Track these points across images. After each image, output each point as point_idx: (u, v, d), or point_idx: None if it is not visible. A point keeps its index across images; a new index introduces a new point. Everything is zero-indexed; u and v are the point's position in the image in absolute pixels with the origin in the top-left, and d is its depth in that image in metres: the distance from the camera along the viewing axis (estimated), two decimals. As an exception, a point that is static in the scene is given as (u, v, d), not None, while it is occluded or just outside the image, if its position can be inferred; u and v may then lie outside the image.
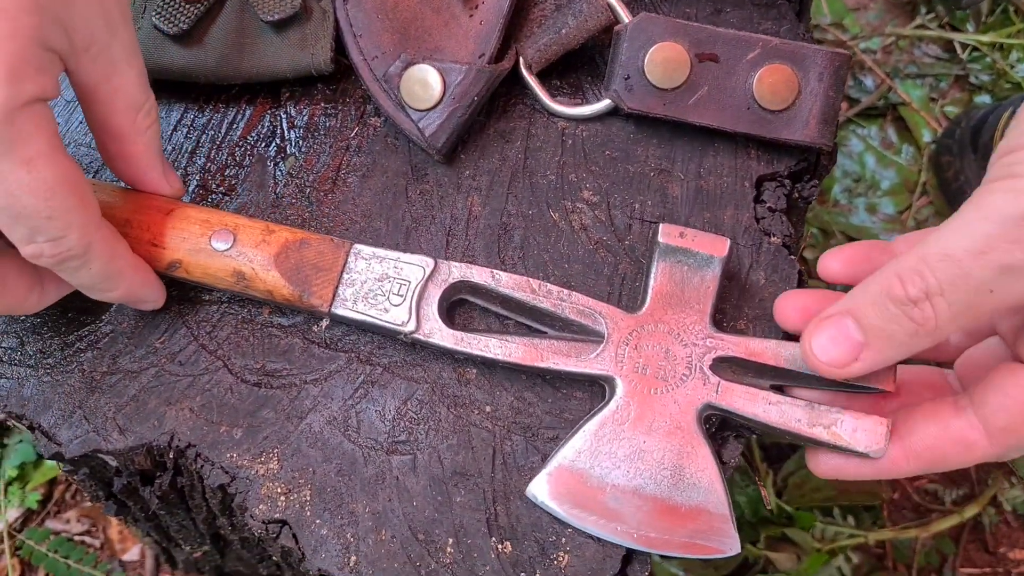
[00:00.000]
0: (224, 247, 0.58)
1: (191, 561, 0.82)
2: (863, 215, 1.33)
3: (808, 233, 1.29)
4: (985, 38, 1.44)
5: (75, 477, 0.67)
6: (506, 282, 0.57)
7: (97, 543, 1.11)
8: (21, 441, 1.13)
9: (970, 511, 1.12)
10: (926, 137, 1.39)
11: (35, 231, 0.48)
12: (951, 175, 1.33)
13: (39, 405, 0.60)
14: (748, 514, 1.06)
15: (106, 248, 0.52)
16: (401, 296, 0.57)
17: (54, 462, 1.07)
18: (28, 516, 1.12)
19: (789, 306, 0.56)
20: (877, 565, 1.12)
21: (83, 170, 0.58)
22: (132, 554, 1.10)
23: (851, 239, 1.31)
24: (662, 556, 0.56)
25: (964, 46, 1.45)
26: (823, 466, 0.55)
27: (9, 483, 1.12)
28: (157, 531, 0.76)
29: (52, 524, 1.12)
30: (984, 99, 1.42)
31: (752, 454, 1.13)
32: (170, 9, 0.66)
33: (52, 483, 1.14)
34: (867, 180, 1.36)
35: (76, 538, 1.11)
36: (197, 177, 0.66)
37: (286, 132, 0.67)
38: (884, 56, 1.46)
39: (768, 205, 0.63)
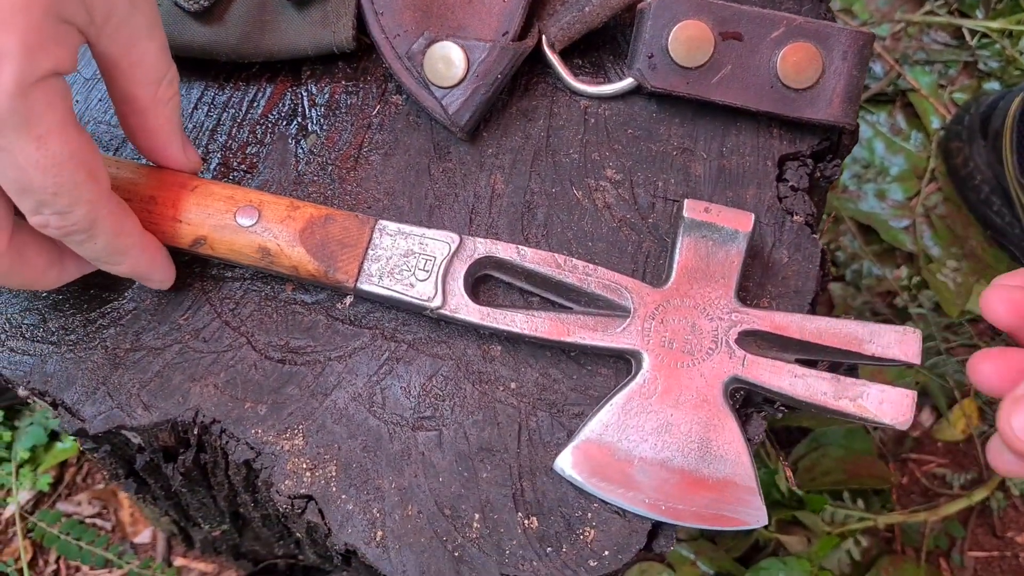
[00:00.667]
0: (249, 223, 0.58)
1: (208, 540, 0.82)
2: (872, 201, 1.33)
3: (829, 218, 1.29)
4: (994, 24, 1.44)
5: (95, 455, 0.67)
6: (531, 257, 0.57)
7: (108, 525, 1.11)
8: (32, 424, 1.13)
9: (979, 495, 1.13)
10: (935, 123, 1.39)
11: (41, 204, 0.48)
12: (960, 161, 1.33)
13: (62, 382, 0.60)
14: (759, 497, 1.06)
15: (114, 223, 0.52)
16: (427, 272, 0.57)
17: (64, 444, 1.07)
18: (39, 498, 1.12)
19: (985, 366, 0.51)
20: (886, 548, 1.12)
21: (97, 145, 0.58)
22: (144, 536, 1.10)
23: (860, 225, 1.31)
24: (686, 530, 0.56)
25: (973, 32, 1.45)
26: (1002, 466, 0.52)
27: (20, 465, 1.12)
28: (176, 510, 0.76)
29: (63, 506, 1.12)
30: (993, 86, 1.42)
31: (764, 437, 1.13)
32: (191, -14, 0.66)
33: (63, 466, 1.14)
34: (876, 166, 1.36)
35: (87, 520, 1.11)
36: (218, 155, 0.66)
37: (307, 110, 0.67)
38: (893, 42, 1.46)
39: (791, 184, 0.63)
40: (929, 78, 1.42)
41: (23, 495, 1.11)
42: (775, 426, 1.15)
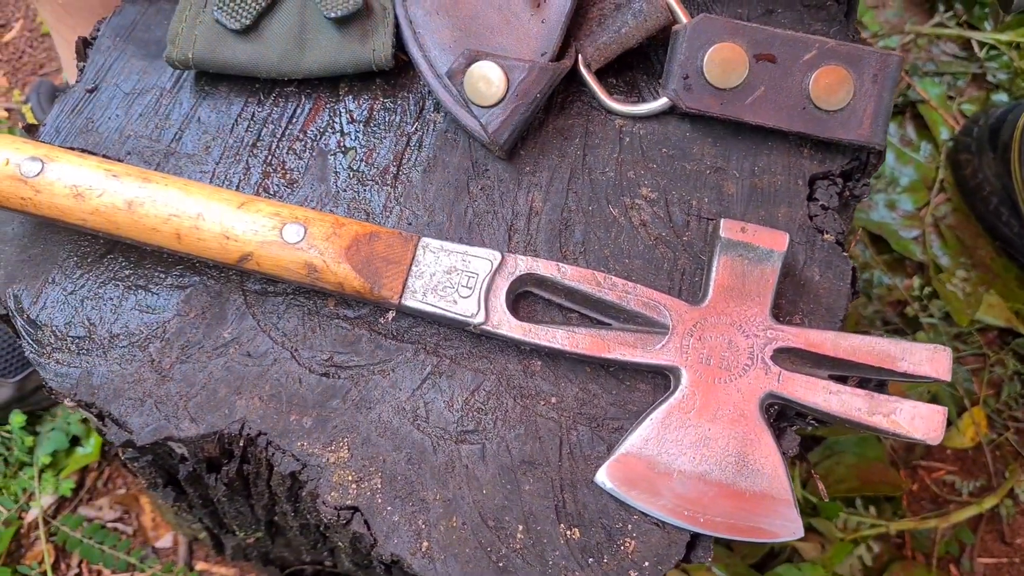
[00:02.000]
0: (295, 240, 0.59)
1: (240, 547, 0.84)
2: (883, 211, 1.35)
3: (857, 234, 1.30)
4: (1003, 37, 1.45)
5: (136, 464, 0.68)
6: (572, 275, 0.59)
7: (130, 530, 1.12)
8: (54, 429, 1.14)
9: (988, 502, 1.14)
10: (944, 134, 1.41)
11: None
12: (969, 173, 1.35)
13: (109, 394, 0.61)
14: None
15: None
16: (469, 288, 0.58)
17: (86, 449, 1.08)
18: (61, 503, 1.13)
19: None
20: (897, 554, 1.14)
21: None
22: (165, 541, 1.11)
23: (871, 235, 1.33)
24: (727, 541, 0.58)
25: (982, 44, 1.47)
26: None
27: (43, 470, 1.13)
28: (211, 518, 0.77)
29: (85, 511, 1.13)
30: (1001, 98, 1.44)
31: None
32: (232, 4, 0.67)
33: (84, 471, 1.15)
34: (886, 177, 1.38)
35: (109, 525, 1.12)
36: (259, 170, 0.67)
37: (345, 126, 0.68)
38: (903, 54, 1.47)
39: (821, 203, 0.65)
40: (938, 89, 1.43)
41: (46, 499, 1.12)
42: (788, 434, 1.17)
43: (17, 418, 1.12)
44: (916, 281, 1.28)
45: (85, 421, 1.15)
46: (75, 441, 1.15)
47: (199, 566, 1.10)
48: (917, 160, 1.39)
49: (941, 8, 1.50)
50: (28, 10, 1.45)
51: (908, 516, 1.16)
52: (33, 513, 1.11)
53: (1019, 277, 1.32)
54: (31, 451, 1.14)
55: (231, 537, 0.83)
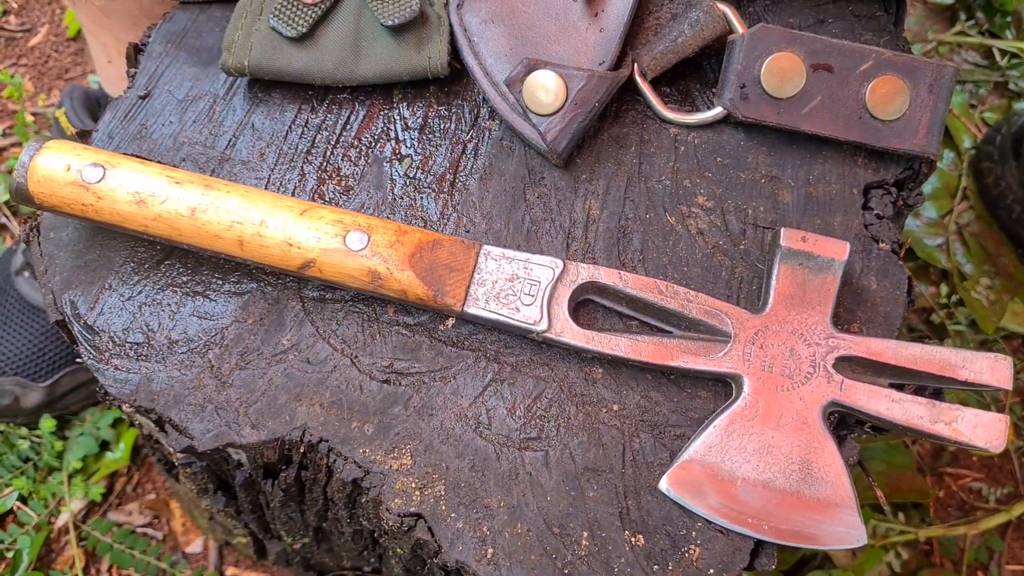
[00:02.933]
0: (359, 247, 0.59)
1: (284, 553, 0.84)
2: (907, 219, 1.35)
3: (908, 242, 1.31)
4: None
5: (189, 469, 0.68)
6: (633, 283, 0.59)
7: (160, 535, 1.12)
8: (83, 434, 1.14)
9: (1018, 510, 1.15)
10: (966, 143, 1.41)
11: None
12: (991, 181, 1.36)
13: (169, 400, 0.61)
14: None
15: None
16: (532, 296, 0.59)
17: (115, 454, 1.08)
18: (91, 508, 1.13)
19: None
20: (926, 561, 1.14)
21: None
22: (195, 546, 1.11)
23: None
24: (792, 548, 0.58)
25: (1003, 53, 1.47)
26: None
27: (72, 475, 1.13)
28: (257, 523, 0.77)
29: (114, 516, 1.13)
30: (1023, 106, 1.44)
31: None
32: (288, 12, 0.67)
33: (114, 476, 1.15)
34: (909, 184, 1.38)
35: (139, 530, 1.12)
36: (314, 176, 0.67)
37: (400, 133, 0.69)
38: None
39: (876, 212, 0.65)
40: (960, 98, 1.44)
41: (76, 504, 1.12)
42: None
43: (47, 423, 1.12)
44: (943, 289, 1.29)
45: (115, 425, 1.15)
46: (104, 446, 1.15)
47: (229, 571, 1.10)
48: (940, 168, 1.39)
49: (963, 16, 1.51)
50: (54, 15, 1.45)
51: (936, 523, 1.16)
52: (63, 518, 1.11)
53: (1043, 285, 1.33)
54: (60, 456, 1.14)
55: (275, 543, 0.83)
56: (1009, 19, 1.49)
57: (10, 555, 1.07)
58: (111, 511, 1.13)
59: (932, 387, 0.61)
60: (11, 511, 1.11)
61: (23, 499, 1.11)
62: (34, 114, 1.36)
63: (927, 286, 1.31)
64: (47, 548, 1.10)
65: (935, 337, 1.27)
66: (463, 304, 0.59)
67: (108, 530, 1.09)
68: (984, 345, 1.27)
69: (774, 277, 0.59)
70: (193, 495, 0.90)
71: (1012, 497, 1.19)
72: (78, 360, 1.09)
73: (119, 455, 1.14)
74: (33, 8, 1.46)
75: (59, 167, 0.61)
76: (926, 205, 1.36)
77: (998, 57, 1.47)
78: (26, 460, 1.13)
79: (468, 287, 0.59)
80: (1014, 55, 1.47)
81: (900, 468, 1.15)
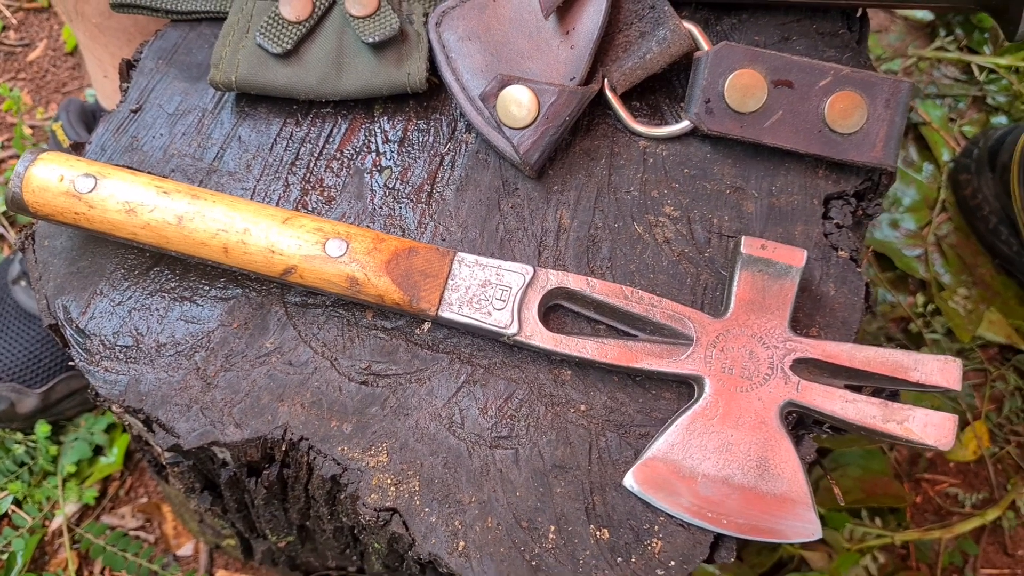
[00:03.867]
0: (338, 254, 0.62)
1: (269, 552, 0.86)
2: (886, 230, 1.38)
3: (868, 251, 1.34)
4: (1002, 61, 1.49)
5: (176, 469, 0.71)
6: (600, 289, 0.62)
7: (152, 538, 1.14)
8: (77, 439, 1.17)
9: (991, 514, 1.17)
10: (945, 156, 1.44)
11: None
12: (969, 193, 1.39)
13: (156, 400, 0.64)
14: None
15: None
16: (503, 301, 0.61)
17: (108, 459, 1.11)
18: (84, 511, 1.15)
19: None
20: (902, 565, 1.17)
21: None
22: (186, 549, 1.14)
23: (875, 253, 1.36)
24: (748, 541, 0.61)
25: (982, 68, 1.51)
26: None
27: (66, 479, 1.15)
28: (243, 522, 0.80)
29: (108, 519, 1.15)
30: (1001, 120, 1.48)
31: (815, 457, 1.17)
32: (274, 29, 0.70)
33: (107, 480, 1.18)
34: (890, 197, 1.41)
35: (131, 533, 1.14)
36: (298, 187, 0.70)
37: (380, 146, 0.71)
38: (905, 77, 1.51)
39: (835, 221, 0.68)
40: (940, 112, 1.47)
41: (69, 508, 1.14)
42: (795, 446, 1.20)
43: (42, 428, 1.15)
44: (920, 298, 1.32)
45: (108, 431, 1.18)
46: (98, 451, 1.18)
47: (219, 573, 1.12)
48: (919, 181, 1.42)
49: (942, 33, 1.54)
50: (52, 30, 1.48)
51: (912, 527, 1.18)
52: (57, 521, 1.13)
53: (1019, 295, 1.35)
54: (55, 460, 1.16)
55: (261, 542, 0.85)
56: (987, 35, 1.52)
57: (4, 557, 1.09)
58: (104, 514, 1.16)
59: (889, 390, 0.64)
60: (6, 514, 1.13)
61: (18, 503, 1.14)
62: (32, 127, 1.39)
63: (905, 296, 1.34)
64: (41, 551, 1.13)
65: (913, 346, 1.29)
66: (437, 309, 0.62)
67: (101, 533, 1.11)
68: (961, 353, 1.29)
69: (735, 283, 0.62)
70: (184, 499, 0.93)
71: (987, 502, 1.22)
72: (71, 364, 1.12)
73: (112, 460, 1.17)
74: (32, 23, 1.49)
75: (53, 178, 0.64)
76: (905, 216, 1.39)
77: (976, 72, 1.51)
78: (21, 464, 1.15)
79: (442, 292, 0.62)
80: (992, 71, 1.50)
81: (877, 474, 1.17)
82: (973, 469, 1.25)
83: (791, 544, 1.08)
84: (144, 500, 1.17)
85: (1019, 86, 1.47)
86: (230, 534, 0.87)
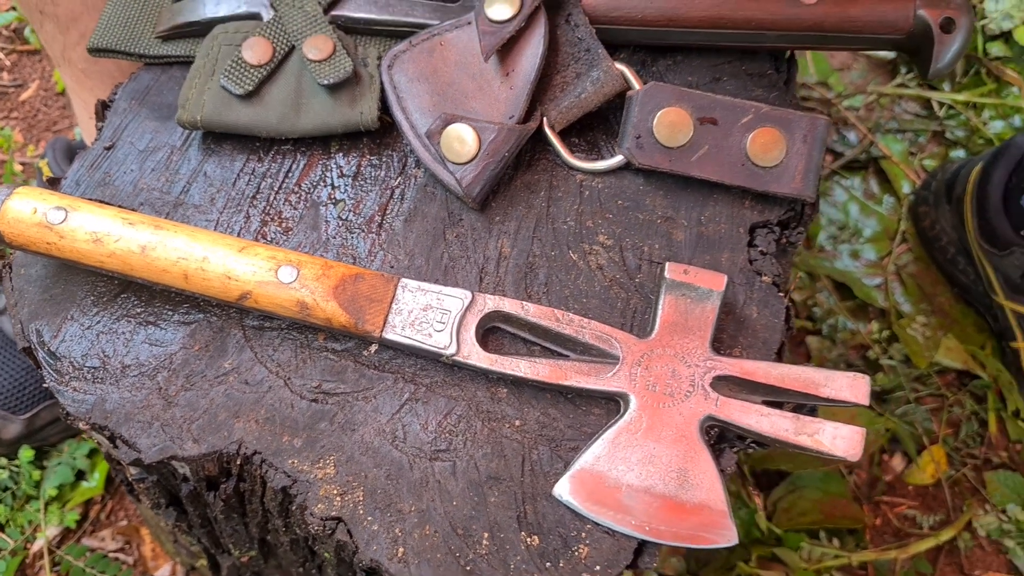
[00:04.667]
0: (289, 280, 0.66)
1: (235, 568, 0.90)
2: (847, 260, 1.43)
3: (796, 276, 1.39)
4: (960, 97, 1.55)
5: (142, 485, 0.75)
6: (534, 312, 0.66)
7: (131, 560, 1.18)
8: (60, 464, 1.21)
9: (946, 535, 1.21)
10: (905, 188, 1.49)
11: None
12: (927, 224, 1.43)
13: (120, 418, 0.68)
14: (741, 535, 1.14)
15: None
16: (443, 323, 0.66)
17: (90, 483, 1.15)
18: (66, 534, 1.19)
19: None
20: (860, 586, 1.20)
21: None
22: (163, 571, 1.17)
23: (835, 282, 1.41)
24: (674, 567, 0.64)
25: (941, 104, 1.56)
26: None
27: (48, 503, 1.19)
28: (208, 537, 0.83)
29: (88, 541, 1.19)
30: (959, 153, 1.53)
31: (745, 480, 1.21)
32: (237, 72, 0.76)
33: (88, 503, 1.21)
34: (851, 228, 1.46)
35: (111, 555, 1.18)
36: (258, 219, 0.75)
37: (335, 180, 0.76)
38: (867, 112, 1.57)
39: (760, 249, 0.73)
40: (900, 146, 1.52)
41: (51, 531, 1.18)
42: (757, 469, 1.23)
43: (26, 453, 1.19)
44: (875, 325, 1.36)
45: (90, 456, 1.22)
46: (80, 475, 1.22)
47: (195, 594, 1.15)
48: (880, 212, 1.47)
49: (903, 70, 1.60)
50: (44, 71, 1.54)
51: (871, 548, 1.22)
52: (38, 544, 1.17)
53: (976, 322, 1.40)
54: (38, 485, 1.20)
55: (227, 557, 0.89)
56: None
57: (-13, 578, 1.13)
58: (85, 537, 1.19)
59: (809, 405, 0.68)
60: (-11, 537, 1.17)
61: (0, 526, 1.18)
62: (23, 164, 1.45)
63: (865, 324, 1.38)
64: (21, 573, 1.16)
65: (871, 372, 1.33)
66: (382, 331, 0.66)
67: (81, 555, 1.15)
68: (919, 380, 1.33)
69: (660, 306, 0.67)
70: (159, 520, 0.97)
71: (945, 524, 1.25)
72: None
73: (94, 484, 1.21)
74: (25, 65, 1.55)
75: (27, 210, 0.69)
76: (866, 247, 1.44)
77: (936, 108, 1.56)
78: (4, 489, 1.19)
79: (386, 316, 0.66)
80: (950, 106, 1.55)
81: (835, 496, 1.21)
82: (931, 492, 1.29)
83: (746, 563, 1.12)
84: (124, 523, 1.20)
85: (976, 121, 1.52)
86: (199, 551, 0.91)
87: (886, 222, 1.47)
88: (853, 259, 1.43)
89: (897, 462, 1.30)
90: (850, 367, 1.34)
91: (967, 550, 1.23)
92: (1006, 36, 1.56)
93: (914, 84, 1.59)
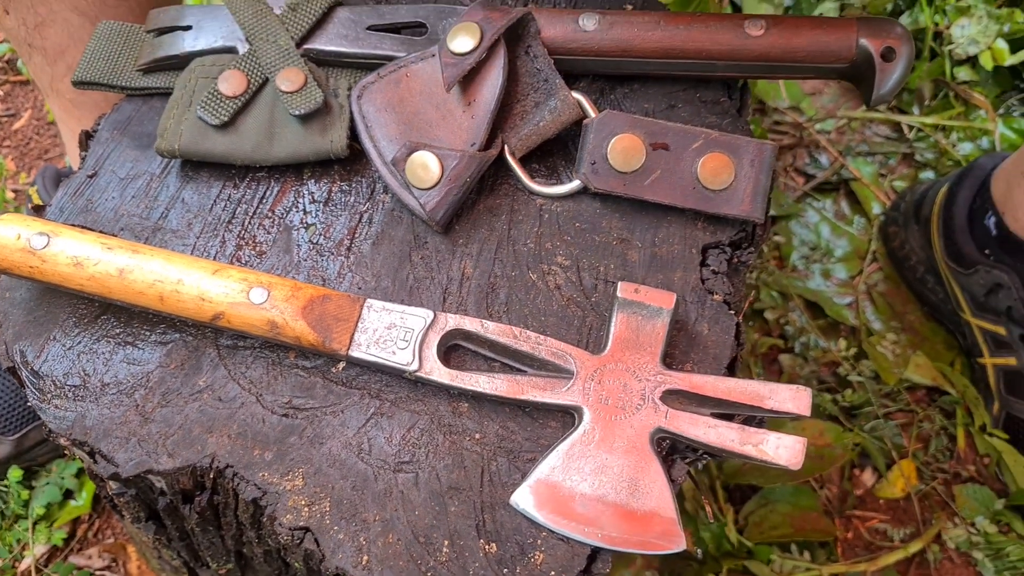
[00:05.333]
0: (260, 301, 0.70)
1: (214, 580, 0.93)
2: (819, 280, 1.47)
3: (752, 295, 1.42)
4: (929, 120, 1.59)
5: (122, 499, 0.78)
6: (493, 329, 0.70)
7: (117, 577, 1.21)
8: (48, 483, 1.23)
9: (915, 547, 1.23)
10: (876, 209, 1.53)
11: None
12: (897, 244, 1.47)
13: (99, 434, 0.71)
14: (712, 548, 1.17)
15: None
16: (407, 341, 0.69)
17: (77, 502, 1.17)
18: (53, 552, 1.22)
19: None
20: (831, 598, 1.23)
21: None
22: (149, 588, 1.20)
23: (807, 301, 1.44)
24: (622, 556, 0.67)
25: (910, 127, 1.60)
26: None
27: (36, 522, 1.22)
28: (187, 551, 0.86)
29: (75, 560, 1.21)
30: (929, 175, 1.57)
31: (718, 496, 1.24)
32: (213, 103, 0.79)
33: (76, 522, 1.24)
34: (822, 248, 1.49)
35: (97, 572, 1.20)
36: (233, 243, 0.78)
37: (307, 205, 0.80)
38: (837, 136, 1.61)
39: (712, 268, 0.76)
40: (870, 168, 1.56)
41: (39, 549, 1.20)
42: (729, 484, 1.26)
43: (15, 473, 1.21)
44: (843, 343, 1.39)
45: (78, 475, 1.25)
46: (68, 494, 1.25)
47: (180, 611, 1.18)
48: (851, 233, 1.51)
49: (873, 94, 1.64)
50: (36, 101, 1.58)
51: (842, 561, 1.24)
52: (26, 562, 1.20)
53: (945, 340, 1.43)
54: (26, 504, 1.23)
55: (205, 571, 0.92)
56: (914, 95, 1.62)
57: (-25, 596, 1.15)
58: (72, 555, 1.22)
59: (759, 417, 0.71)
60: (-22, 556, 1.20)
61: (-11, 545, 1.20)
62: (15, 191, 1.48)
63: (835, 342, 1.41)
64: (10, 590, 1.19)
65: (840, 389, 1.37)
66: (348, 349, 0.69)
67: (68, 573, 1.17)
68: (889, 396, 1.37)
69: (613, 323, 0.70)
70: (143, 535, 0.99)
71: (914, 536, 1.28)
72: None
73: (81, 503, 1.23)
74: (17, 95, 1.59)
75: (11, 235, 0.72)
76: (837, 267, 1.48)
77: (905, 131, 1.60)
78: (-6, 508, 1.22)
79: (353, 334, 0.70)
80: (919, 129, 1.59)
81: (805, 509, 1.24)
82: (902, 505, 1.32)
83: (715, 575, 1.14)
84: (111, 541, 1.23)
85: (944, 143, 1.56)
86: (180, 565, 0.94)
87: (857, 242, 1.50)
88: (825, 279, 1.47)
89: (868, 476, 1.33)
90: (821, 383, 1.37)
91: (936, 562, 1.26)
92: (972, 61, 1.61)
93: (884, 108, 1.63)
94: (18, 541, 1.20)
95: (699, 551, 1.19)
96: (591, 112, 0.77)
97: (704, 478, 1.24)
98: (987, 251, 1.32)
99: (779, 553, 1.20)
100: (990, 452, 1.32)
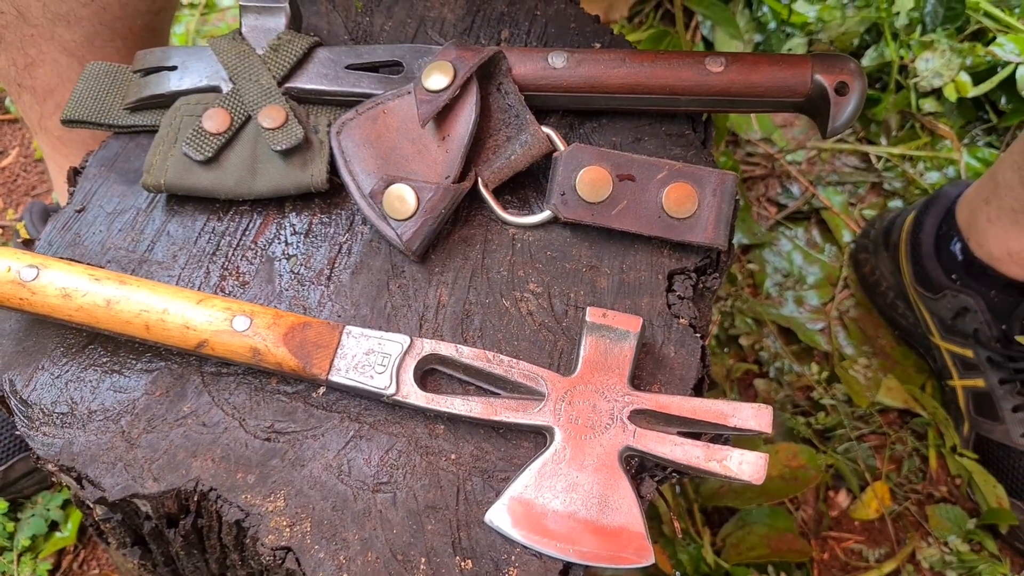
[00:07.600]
0: (243, 328, 0.72)
1: (199, 605, 0.94)
2: (792, 306, 1.50)
3: (717, 318, 1.45)
4: (896, 150, 1.64)
5: (108, 524, 0.80)
6: (467, 354, 0.73)
7: (102, 608, 1.22)
8: (33, 515, 1.25)
9: (889, 566, 1.26)
10: (846, 237, 1.57)
11: None
12: (868, 271, 1.51)
13: (86, 459, 0.73)
14: (690, 570, 1.19)
15: None
16: (384, 366, 0.72)
17: (63, 533, 1.19)
18: (39, 584, 1.23)
19: None
20: (808, 618, 1.25)
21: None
22: (134, 617, 1.21)
23: (781, 328, 1.48)
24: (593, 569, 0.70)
25: (878, 157, 1.65)
26: None
27: (21, 553, 1.23)
28: (172, 575, 0.88)
29: (61, 591, 1.23)
30: (897, 203, 1.61)
31: (695, 519, 1.26)
32: (197, 140, 0.82)
33: (61, 553, 1.25)
34: (795, 275, 1.53)
35: (83, 603, 1.22)
36: (217, 274, 0.81)
37: (289, 237, 0.83)
38: (808, 166, 1.65)
39: (678, 294, 0.79)
40: (841, 197, 1.60)
41: (25, 580, 1.22)
42: (707, 507, 1.29)
43: (0, 505, 1.23)
44: (815, 367, 1.43)
45: (64, 507, 1.26)
46: (54, 526, 1.26)
47: (166, 640, 1.19)
48: (823, 260, 1.55)
49: (842, 126, 1.69)
50: (24, 139, 1.61)
51: (818, 582, 1.27)
52: (13, 594, 1.21)
53: (916, 363, 1.47)
54: (12, 536, 1.24)
55: (191, 595, 0.93)
56: (881, 126, 1.67)
57: (-38, 628, 1.16)
58: (58, 586, 1.23)
59: (725, 435, 0.74)
60: (-36, 588, 1.21)
61: (-25, 576, 1.21)
62: (2, 226, 1.51)
63: (809, 367, 1.44)
64: (-3, 621, 1.20)
65: (814, 412, 1.40)
66: (327, 373, 0.72)
67: (54, 603, 1.18)
68: (861, 419, 1.40)
69: (582, 347, 0.73)
70: (127, 563, 1.01)
71: (889, 556, 1.30)
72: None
73: (67, 534, 1.25)
74: (5, 133, 1.62)
75: (2, 268, 0.75)
76: (809, 294, 1.51)
77: (874, 161, 1.65)
78: (-21, 540, 1.23)
79: (332, 360, 0.72)
80: (887, 159, 1.64)
81: (782, 530, 1.26)
82: (876, 526, 1.34)
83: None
84: (95, 572, 1.24)
85: (912, 172, 1.61)
86: (163, 590, 0.96)
87: (828, 269, 1.54)
88: (798, 305, 1.50)
89: (843, 498, 1.36)
90: (795, 407, 1.40)
91: (910, 582, 1.28)
92: (937, 93, 1.66)
93: (853, 139, 1.68)
94: (3, 573, 1.22)
95: (677, 573, 1.21)
96: (560, 145, 0.80)
97: (682, 501, 1.27)
98: (954, 276, 1.36)
99: (756, 574, 1.23)
100: (961, 472, 1.35)
